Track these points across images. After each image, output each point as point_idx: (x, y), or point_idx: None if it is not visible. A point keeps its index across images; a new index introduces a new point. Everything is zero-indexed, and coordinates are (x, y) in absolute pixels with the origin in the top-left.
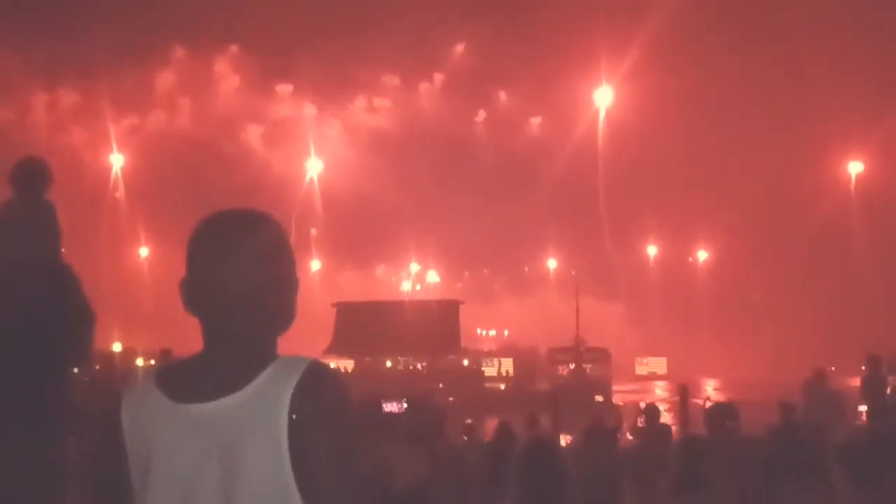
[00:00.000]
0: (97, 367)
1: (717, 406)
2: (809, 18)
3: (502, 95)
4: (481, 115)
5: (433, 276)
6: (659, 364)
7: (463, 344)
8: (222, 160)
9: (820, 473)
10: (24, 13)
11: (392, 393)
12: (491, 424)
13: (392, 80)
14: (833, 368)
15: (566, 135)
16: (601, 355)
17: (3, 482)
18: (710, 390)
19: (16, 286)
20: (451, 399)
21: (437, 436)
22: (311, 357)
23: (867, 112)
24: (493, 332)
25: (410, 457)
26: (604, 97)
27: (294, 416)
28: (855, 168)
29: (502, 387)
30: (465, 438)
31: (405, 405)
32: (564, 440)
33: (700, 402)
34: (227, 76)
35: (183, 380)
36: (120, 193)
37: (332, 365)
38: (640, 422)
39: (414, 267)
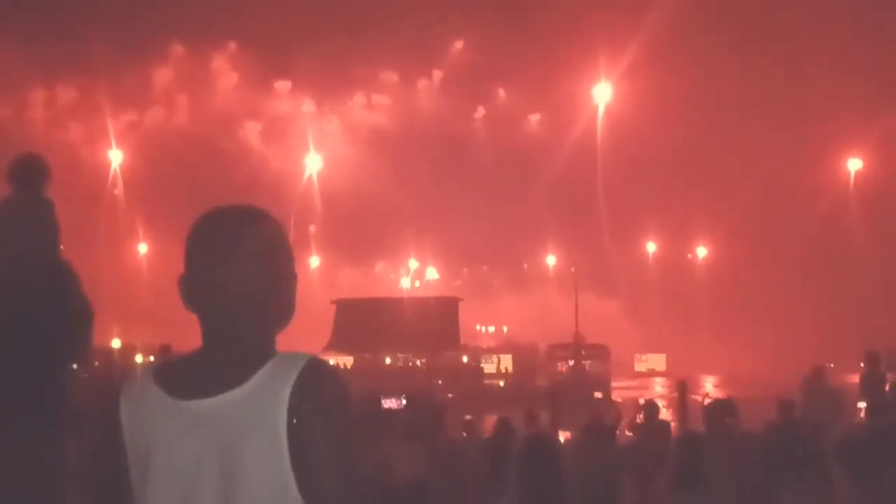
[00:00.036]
0: (96, 364)
1: (716, 403)
2: (809, 18)
3: (501, 92)
4: (480, 112)
5: (432, 273)
6: (658, 361)
7: (462, 341)
8: (221, 157)
9: (819, 470)
10: (23, 10)
11: (391, 389)
12: (490, 421)
13: (391, 76)
14: (832, 365)
15: (565, 132)
16: (600, 352)
17: (3, 483)
18: (709, 387)
19: (14, 283)
20: (450, 395)
21: (436, 432)
22: (310, 353)
23: (867, 111)
24: (492, 329)
25: (410, 453)
26: (603, 93)
27: (293, 414)
28: (854, 165)
29: (501, 383)
30: (465, 435)
31: (404, 401)
32: (563, 437)
33: (699, 398)
34: (225, 73)
35: (182, 376)
36: (119, 190)
37: (332, 362)
38: (639, 418)
39: (413, 264)
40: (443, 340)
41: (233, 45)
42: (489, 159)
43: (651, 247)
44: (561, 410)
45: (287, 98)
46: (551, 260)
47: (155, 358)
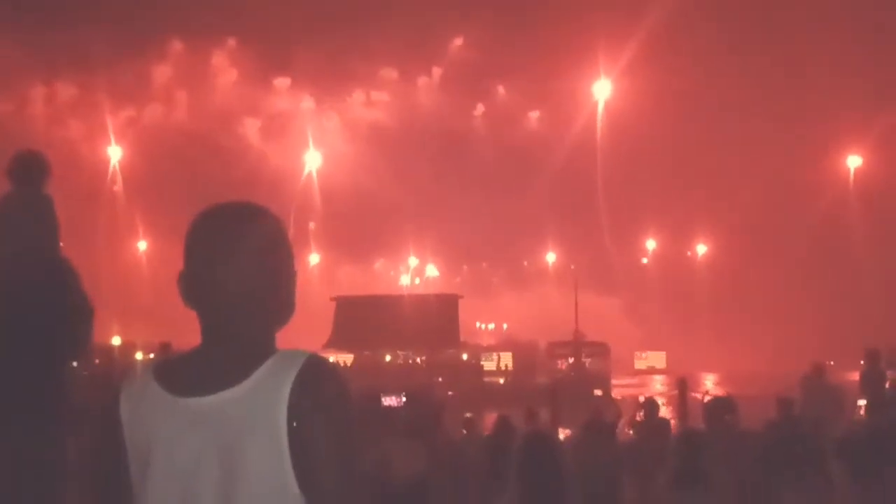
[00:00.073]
0: (96, 362)
1: (716, 400)
2: (809, 18)
3: (501, 89)
4: (480, 109)
5: (432, 271)
6: (658, 358)
7: (462, 338)
8: (220, 153)
9: (818, 468)
10: (23, 6)
11: (391, 387)
12: (490, 418)
13: (390, 73)
14: (832, 363)
15: (565, 129)
16: (600, 349)
17: (4, 480)
18: (710, 385)
19: (14, 281)
20: (450, 393)
21: (436, 430)
22: (309, 351)
23: (867, 110)
24: (492, 326)
25: (409, 451)
26: (602, 90)
27: (293, 411)
28: (854, 163)
29: (501, 381)
30: (464, 432)
31: (404, 399)
32: (563, 434)
33: (699, 396)
34: (225, 69)
35: (182, 373)
36: (118, 187)
37: (332, 359)
38: (639, 416)
39: (413, 261)
40: (443, 338)
41: (232, 42)
42: (489, 156)
43: (651, 244)
44: (561, 408)
45: (286, 95)
46: (551, 257)
47: (155, 355)
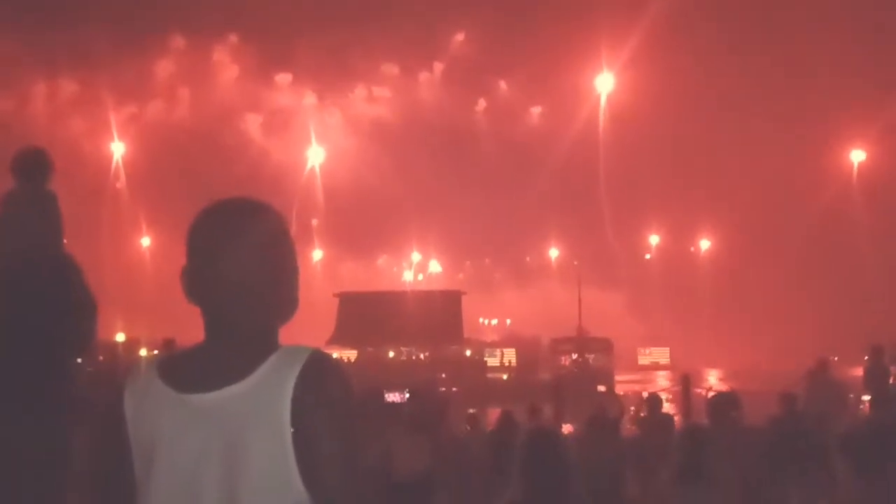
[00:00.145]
0: (100, 358)
1: (720, 396)
2: (810, 18)
3: (502, 85)
4: (481, 104)
5: (435, 266)
6: (661, 354)
7: (465, 334)
8: (223, 150)
9: (822, 463)
10: (24, 3)
11: (394, 383)
12: (493, 414)
13: (392, 69)
14: (836, 358)
15: (567, 124)
16: (603, 345)
17: (7, 476)
18: (713, 380)
19: (18, 277)
20: (453, 389)
21: (440, 425)
22: (313, 347)
23: (869, 106)
24: (495, 322)
25: (413, 446)
26: (605, 84)
27: (297, 407)
28: (857, 157)
29: (505, 377)
30: (468, 428)
31: (407, 395)
32: (567, 430)
33: (702, 391)
34: (226, 65)
35: (185, 370)
36: (121, 183)
37: (335, 355)
38: (643, 411)
39: (416, 257)
40: (446, 334)
41: (234, 38)
42: (491, 152)
43: (654, 239)
44: (564, 404)
45: (288, 91)
46: (554, 253)
47: (159, 352)
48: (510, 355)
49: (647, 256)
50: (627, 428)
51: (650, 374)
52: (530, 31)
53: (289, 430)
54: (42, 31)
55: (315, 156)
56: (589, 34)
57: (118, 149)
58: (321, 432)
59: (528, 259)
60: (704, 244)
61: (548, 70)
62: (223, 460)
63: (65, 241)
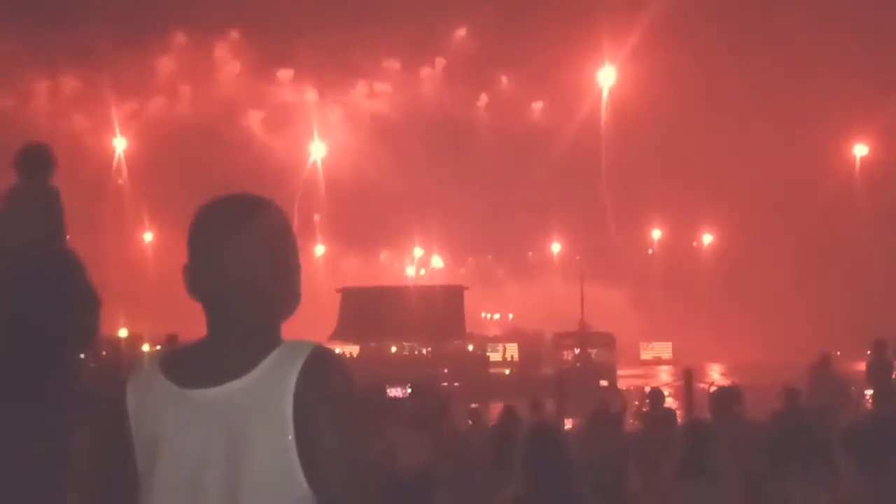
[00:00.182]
0: (103, 353)
1: (722, 390)
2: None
3: (504, 79)
4: (483, 99)
5: (437, 262)
6: (664, 349)
7: (467, 329)
8: (225, 145)
9: (824, 458)
10: (26, 0)
11: (397, 378)
12: (496, 409)
13: (393, 64)
14: (838, 353)
15: (569, 119)
16: (606, 340)
17: (9, 471)
18: (715, 375)
19: (21, 272)
20: (455, 384)
21: (442, 420)
22: (315, 342)
23: (871, 102)
24: (497, 317)
25: (415, 442)
26: (607, 77)
27: (299, 402)
28: (860, 151)
29: (507, 372)
30: (470, 423)
31: (409, 390)
32: (569, 425)
33: (705, 386)
34: (228, 61)
35: (188, 365)
36: (123, 179)
37: (337, 350)
38: (645, 406)
39: (418, 252)
40: (448, 329)
41: (235, 34)
42: (493, 147)
43: (657, 234)
44: (567, 399)
45: (290, 86)
46: (556, 248)
47: (162, 347)
48: (512, 350)
49: (650, 251)
50: (630, 423)
51: (652, 368)
52: (532, 25)
53: (291, 425)
54: (45, 27)
55: (317, 151)
56: (590, 29)
57: (120, 144)
58: (323, 427)
59: (530, 254)
60: (707, 239)
61: (549, 65)
62: (226, 455)
63: (67, 236)
